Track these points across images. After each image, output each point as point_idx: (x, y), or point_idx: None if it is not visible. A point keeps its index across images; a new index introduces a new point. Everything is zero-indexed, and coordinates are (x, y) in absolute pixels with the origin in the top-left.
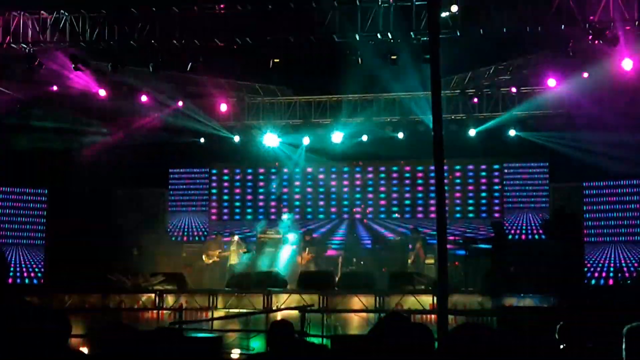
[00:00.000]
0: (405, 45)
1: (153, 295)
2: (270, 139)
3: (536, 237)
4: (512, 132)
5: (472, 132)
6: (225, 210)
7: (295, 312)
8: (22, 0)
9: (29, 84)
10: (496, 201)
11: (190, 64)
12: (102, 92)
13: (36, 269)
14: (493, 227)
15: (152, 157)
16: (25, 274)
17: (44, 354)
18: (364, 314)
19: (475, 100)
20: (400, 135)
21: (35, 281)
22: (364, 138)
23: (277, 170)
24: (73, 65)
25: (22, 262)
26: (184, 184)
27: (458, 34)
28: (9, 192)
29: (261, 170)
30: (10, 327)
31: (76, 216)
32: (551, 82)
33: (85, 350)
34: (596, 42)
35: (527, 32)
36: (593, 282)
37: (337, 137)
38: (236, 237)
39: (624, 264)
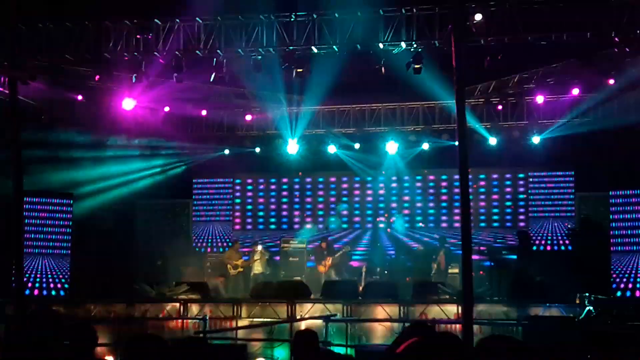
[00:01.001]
0: (429, 54)
1: (177, 304)
2: (292, 147)
3: (562, 247)
4: (536, 140)
5: (492, 141)
6: (249, 220)
7: (319, 322)
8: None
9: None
10: (521, 210)
11: (213, 74)
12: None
13: (62, 280)
14: (518, 236)
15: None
16: (51, 285)
17: None
18: (387, 324)
19: (500, 107)
20: (425, 146)
21: (62, 292)
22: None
23: (300, 180)
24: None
25: (48, 273)
26: (208, 194)
27: (482, 42)
28: (34, 202)
29: (284, 180)
30: (38, 338)
31: (102, 226)
32: (575, 90)
33: (110, 359)
34: (622, 49)
35: (552, 40)
36: (619, 293)
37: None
38: (259, 247)
39: None
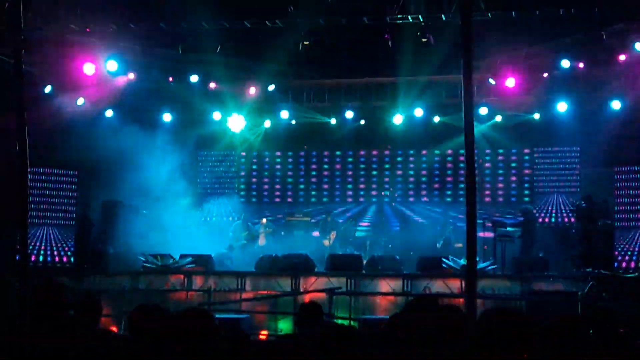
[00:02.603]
0: (437, 27)
1: (182, 276)
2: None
3: (566, 222)
4: (536, 115)
5: (498, 118)
6: (254, 193)
7: (323, 295)
8: None
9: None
10: (526, 185)
11: (219, 45)
12: (131, 76)
13: (67, 251)
14: (522, 212)
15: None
16: (56, 254)
17: (77, 333)
18: (391, 297)
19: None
20: (437, 119)
21: (67, 263)
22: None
23: (305, 153)
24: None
25: (53, 242)
26: (210, 166)
27: (489, 16)
28: (40, 172)
29: (290, 153)
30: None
31: (105, 197)
32: (583, 65)
33: (114, 329)
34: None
35: (559, 15)
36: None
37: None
38: (264, 220)
39: None
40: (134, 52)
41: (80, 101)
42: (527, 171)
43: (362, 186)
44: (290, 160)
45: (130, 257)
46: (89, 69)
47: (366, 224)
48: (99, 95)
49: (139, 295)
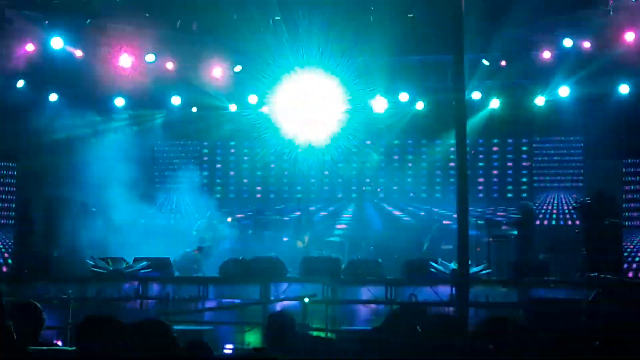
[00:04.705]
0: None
1: (136, 282)
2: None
3: (569, 221)
4: (540, 101)
5: (493, 104)
6: (218, 188)
7: (296, 303)
8: None
9: None
10: (524, 179)
11: (179, 21)
12: (79, 53)
13: (5, 253)
14: (520, 210)
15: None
16: None
17: (15, 347)
18: (373, 306)
19: (504, 63)
20: (420, 105)
21: (2, 264)
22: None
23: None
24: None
25: None
26: (171, 157)
27: None
28: None
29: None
30: None
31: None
32: (587, 44)
33: (60, 343)
34: None
35: None
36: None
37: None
38: (229, 218)
39: None
40: (82, 27)
41: (20, 83)
42: (525, 164)
43: (340, 181)
44: (259, 150)
45: (77, 260)
46: (29, 46)
47: (345, 224)
48: (41, 76)
49: (87, 304)
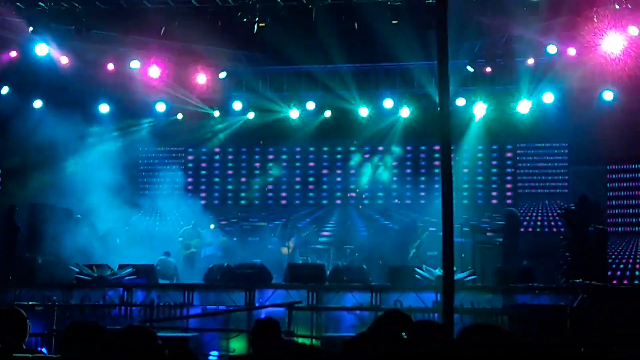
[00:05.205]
0: (408, 8)
1: (121, 289)
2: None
3: (553, 228)
4: (526, 108)
5: (478, 108)
6: (203, 195)
7: (281, 310)
8: None
9: None
10: (508, 186)
11: (163, 28)
12: (64, 60)
13: None
14: (505, 216)
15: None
16: None
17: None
18: (358, 312)
19: (489, 70)
20: (405, 112)
21: None
22: (327, 114)
23: (261, 149)
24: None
25: None
26: (155, 164)
27: None
28: None
29: (243, 149)
30: None
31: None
32: (571, 50)
33: (44, 350)
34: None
35: None
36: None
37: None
38: (212, 225)
39: None
40: (67, 34)
41: (5, 90)
42: (509, 170)
43: (325, 187)
44: (244, 157)
45: (62, 267)
46: (13, 53)
47: (329, 231)
48: (25, 83)
49: (71, 311)
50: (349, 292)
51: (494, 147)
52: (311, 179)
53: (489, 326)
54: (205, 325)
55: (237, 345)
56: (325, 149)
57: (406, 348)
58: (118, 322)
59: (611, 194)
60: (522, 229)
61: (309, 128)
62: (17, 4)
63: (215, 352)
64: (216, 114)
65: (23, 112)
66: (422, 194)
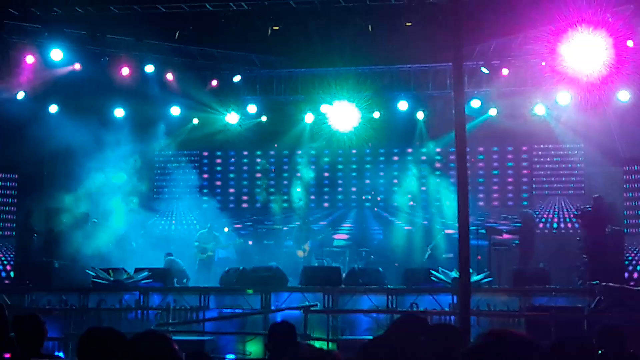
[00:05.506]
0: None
1: (137, 293)
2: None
3: (570, 229)
4: (540, 110)
5: (492, 112)
6: (219, 198)
7: (297, 313)
8: None
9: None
10: (524, 187)
11: (178, 32)
12: (77, 66)
13: (7, 264)
14: (521, 218)
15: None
16: None
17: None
18: (374, 315)
19: (502, 72)
20: (420, 115)
21: (4, 276)
22: (376, 115)
23: (276, 152)
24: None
25: None
26: (170, 167)
27: None
28: None
29: (258, 153)
30: None
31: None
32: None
33: (61, 354)
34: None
35: None
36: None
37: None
38: (226, 229)
39: None
40: (81, 39)
41: (21, 95)
42: (525, 171)
43: (340, 189)
44: (258, 160)
45: (78, 271)
46: (29, 58)
47: (345, 233)
48: (41, 88)
49: (88, 315)
50: (365, 294)
51: (509, 148)
52: (326, 182)
53: (506, 332)
54: (222, 328)
55: (253, 348)
56: (340, 151)
57: (423, 351)
58: (134, 325)
59: (629, 195)
60: (538, 231)
61: (322, 130)
62: (32, 9)
63: (231, 356)
64: (231, 117)
65: (39, 117)
66: (437, 195)
